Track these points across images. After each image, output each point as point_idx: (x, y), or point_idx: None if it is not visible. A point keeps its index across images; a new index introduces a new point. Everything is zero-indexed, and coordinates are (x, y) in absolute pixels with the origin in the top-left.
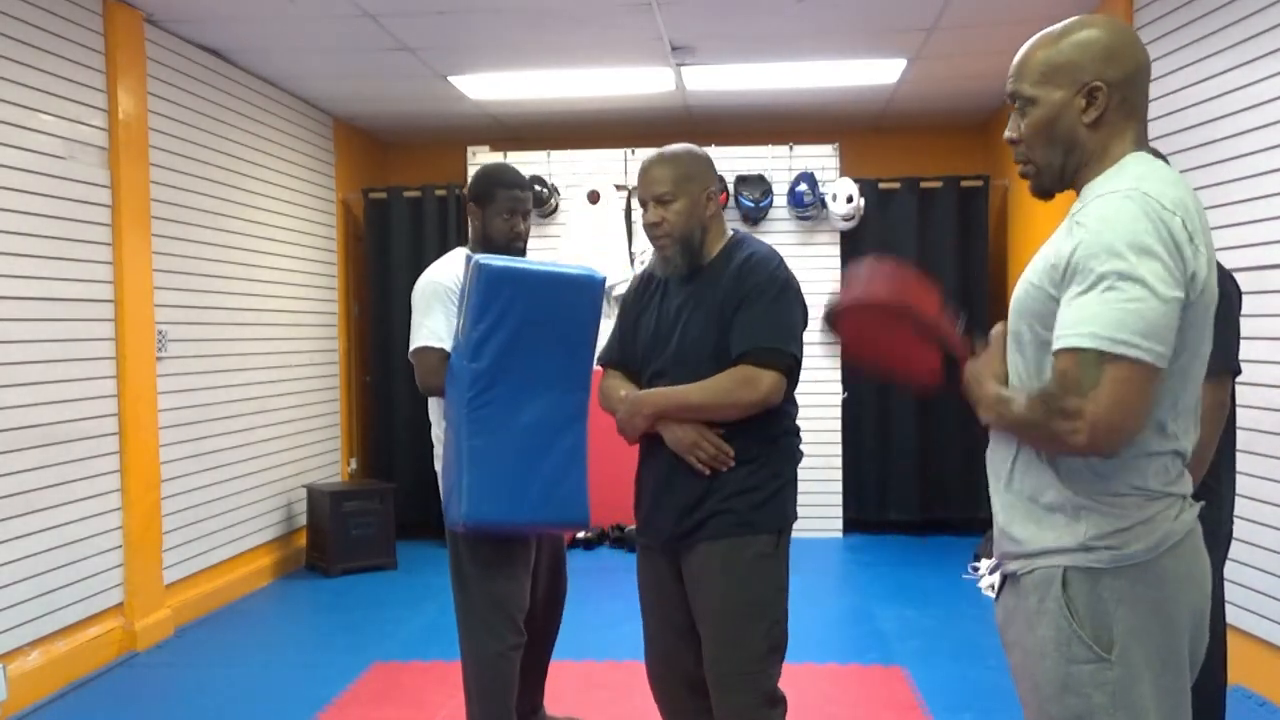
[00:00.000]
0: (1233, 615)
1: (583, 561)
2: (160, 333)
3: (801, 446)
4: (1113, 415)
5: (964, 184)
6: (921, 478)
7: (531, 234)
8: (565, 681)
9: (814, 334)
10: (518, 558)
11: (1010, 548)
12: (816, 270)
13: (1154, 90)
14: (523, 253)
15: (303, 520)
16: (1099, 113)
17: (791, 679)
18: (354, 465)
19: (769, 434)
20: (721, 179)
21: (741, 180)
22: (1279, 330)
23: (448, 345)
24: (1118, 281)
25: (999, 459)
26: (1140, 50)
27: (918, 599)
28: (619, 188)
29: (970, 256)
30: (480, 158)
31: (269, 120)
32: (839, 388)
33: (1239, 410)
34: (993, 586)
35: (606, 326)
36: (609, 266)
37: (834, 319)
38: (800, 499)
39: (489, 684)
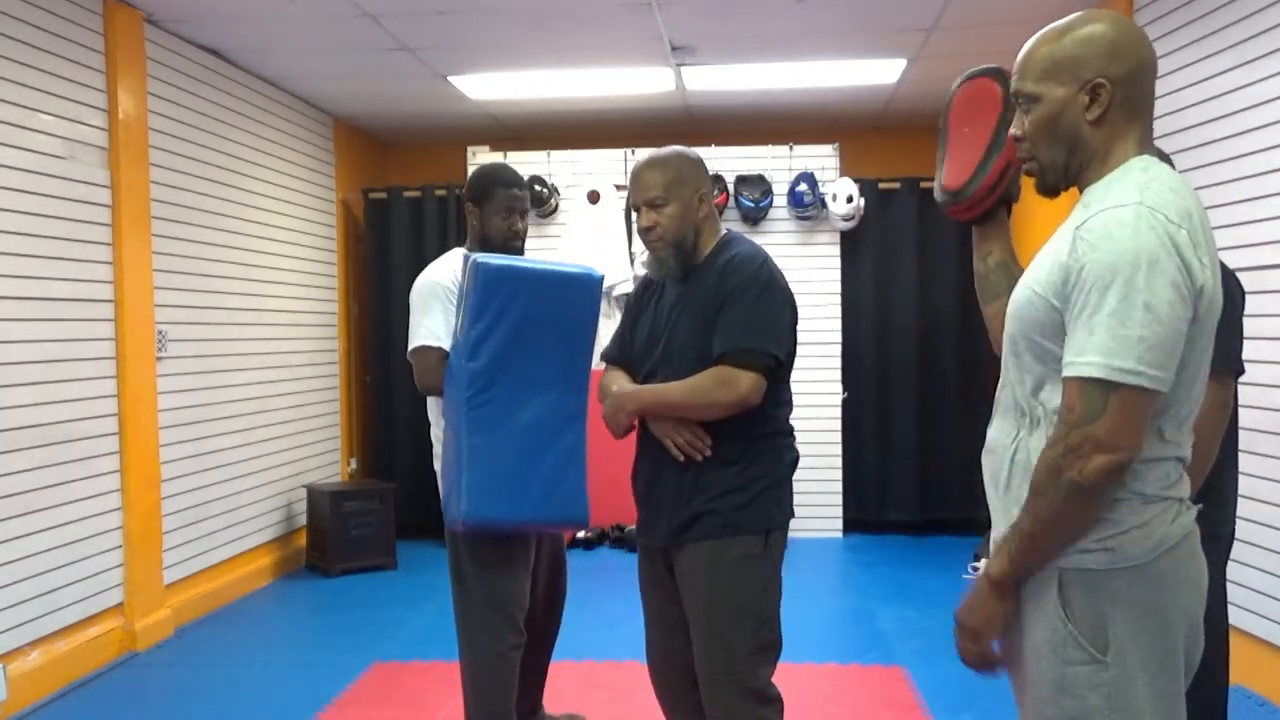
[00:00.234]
0: (1233, 615)
1: (583, 561)
2: (160, 333)
3: (798, 447)
4: (1114, 439)
5: None
6: (921, 478)
7: (531, 234)
8: (565, 681)
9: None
10: (517, 557)
11: None
12: (816, 270)
13: (1155, 89)
14: (521, 252)
15: (303, 520)
16: (1102, 110)
17: (791, 679)
18: (354, 465)
19: (753, 435)
20: (720, 179)
21: (741, 180)
22: (1279, 330)
23: (446, 345)
24: (1122, 305)
25: (996, 463)
26: (1145, 47)
27: (918, 599)
28: (619, 188)
29: (970, 256)
30: (480, 158)
31: (269, 120)
32: (839, 388)
33: (1239, 410)
34: None
35: (606, 326)
36: (609, 266)
37: (981, 74)
38: (800, 499)
39: (488, 684)
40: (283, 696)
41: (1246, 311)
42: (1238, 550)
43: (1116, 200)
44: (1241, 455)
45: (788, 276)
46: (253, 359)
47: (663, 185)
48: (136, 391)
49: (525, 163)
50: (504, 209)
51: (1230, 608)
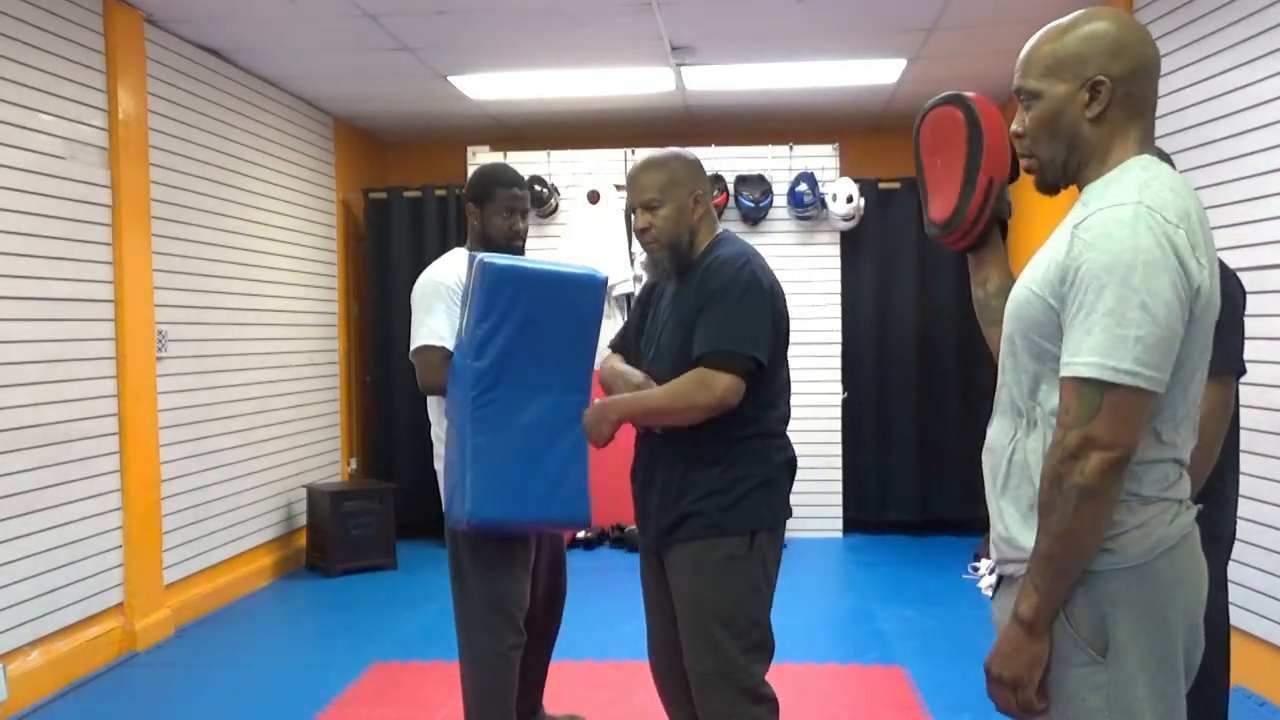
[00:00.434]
0: (1233, 615)
1: (583, 561)
2: (160, 333)
3: (795, 448)
4: (1111, 438)
5: None
6: (921, 478)
7: (531, 234)
8: (565, 681)
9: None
10: (518, 558)
11: (1007, 550)
12: (816, 270)
13: (1158, 89)
14: (522, 251)
15: (303, 520)
16: (1102, 107)
17: (791, 679)
18: (354, 465)
19: (736, 436)
20: (720, 179)
21: (741, 180)
22: (1279, 330)
23: (449, 344)
24: (1119, 305)
25: (994, 462)
26: (1148, 45)
27: (918, 599)
28: (619, 188)
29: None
30: (480, 158)
31: (269, 120)
32: (839, 388)
33: (1240, 410)
34: (991, 586)
35: (606, 327)
36: (609, 266)
37: (943, 103)
38: (800, 499)
39: (488, 684)
40: (283, 696)
41: (1246, 311)
42: (1238, 550)
43: (1115, 199)
44: (1242, 455)
45: (788, 276)
46: (253, 359)
47: (658, 187)
48: (136, 391)
49: (525, 163)
50: (505, 209)
51: (1231, 608)
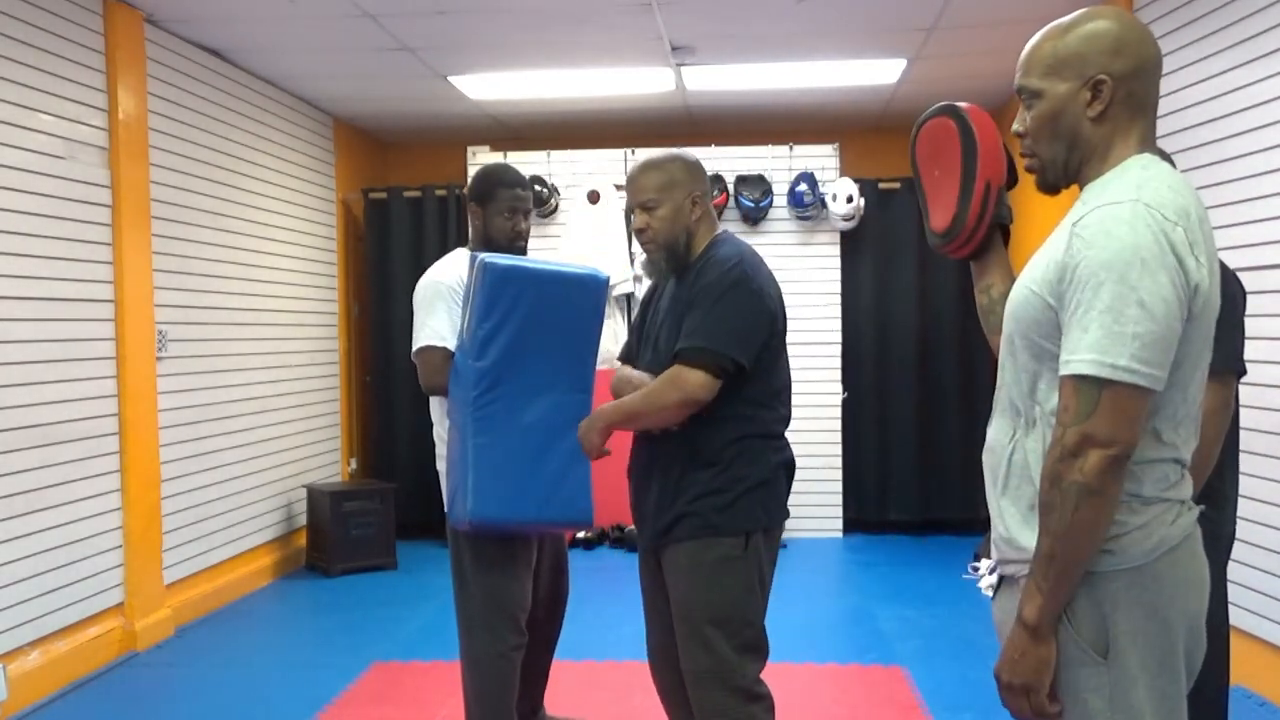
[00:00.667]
0: (1234, 615)
1: (583, 561)
2: (160, 333)
3: (794, 448)
4: (1109, 435)
5: None
6: (921, 478)
7: (532, 234)
8: (565, 681)
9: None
10: (519, 558)
11: (1007, 551)
12: (816, 270)
13: (1159, 88)
14: (524, 252)
15: (303, 520)
16: (1103, 106)
17: (792, 679)
18: (354, 465)
19: (733, 437)
20: (720, 179)
21: (741, 180)
22: (1279, 330)
23: (451, 345)
24: (1116, 302)
25: (995, 462)
26: (1150, 44)
27: (918, 599)
28: (619, 188)
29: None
30: (480, 158)
31: (269, 120)
32: (839, 388)
33: (1240, 410)
34: (992, 587)
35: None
36: (609, 266)
37: (935, 115)
38: (800, 499)
39: (489, 685)
40: (283, 696)
41: (1246, 312)
42: (1238, 550)
43: (1113, 197)
44: (1241, 455)
45: (788, 276)
46: (253, 359)
47: (655, 188)
48: (136, 391)
49: (525, 163)
50: (507, 209)
51: (1231, 608)
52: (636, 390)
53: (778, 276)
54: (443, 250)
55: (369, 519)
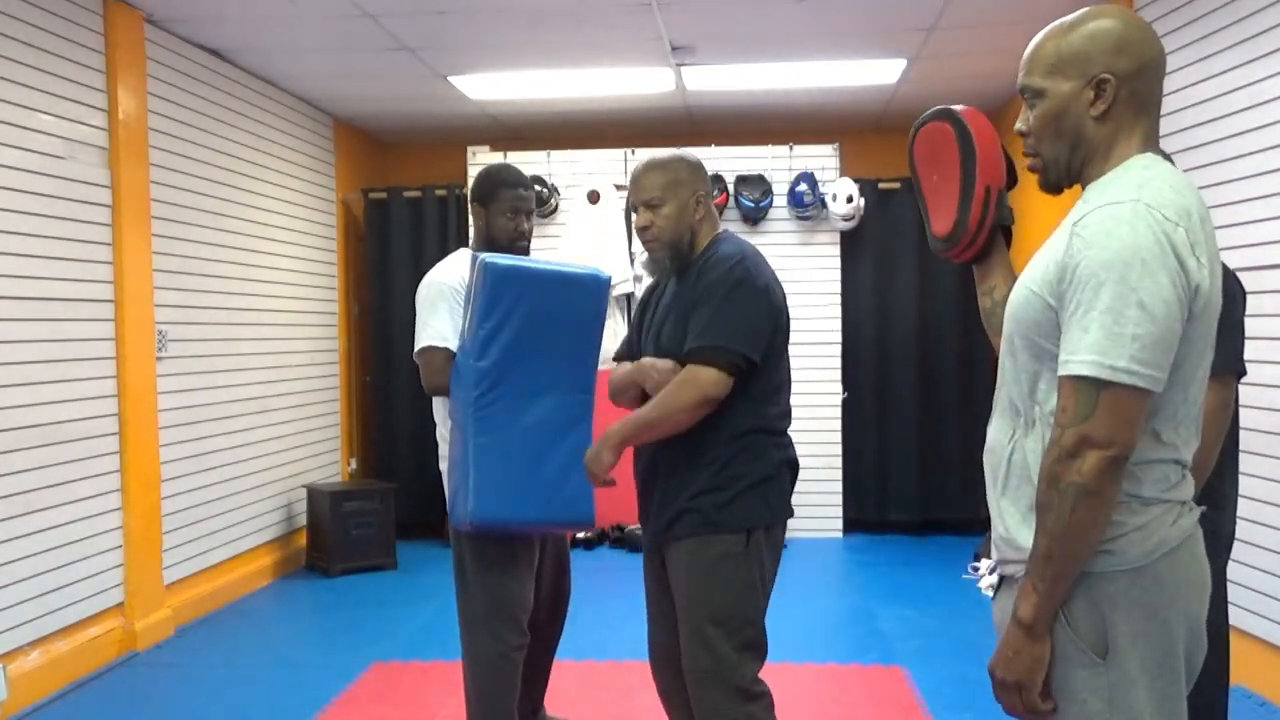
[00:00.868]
0: (1233, 615)
1: (583, 561)
2: (160, 333)
3: (796, 448)
4: (1107, 436)
5: None
6: (921, 478)
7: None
8: (565, 681)
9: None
10: (521, 558)
11: (1007, 550)
12: (816, 270)
13: (1163, 87)
14: (526, 252)
15: (303, 520)
16: (1106, 105)
17: (791, 679)
18: (354, 465)
19: (734, 433)
20: (720, 179)
21: (741, 180)
22: (1279, 330)
23: (453, 345)
24: (1116, 303)
25: (994, 462)
26: (1154, 43)
27: (918, 599)
28: (619, 188)
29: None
30: (480, 158)
31: (269, 120)
32: (839, 388)
33: (1239, 410)
34: (992, 586)
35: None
36: (609, 266)
37: (931, 119)
38: (800, 499)
39: (491, 685)
40: (283, 696)
41: (1246, 312)
42: (1238, 550)
43: (1114, 197)
44: (1242, 455)
45: (788, 276)
46: (253, 359)
47: (660, 186)
48: (136, 391)
49: (525, 163)
50: (509, 209)
51: (1230, 608)
52: (633, 381)
53: (779, 276)
54: (443, 250)
55: (369, 519)
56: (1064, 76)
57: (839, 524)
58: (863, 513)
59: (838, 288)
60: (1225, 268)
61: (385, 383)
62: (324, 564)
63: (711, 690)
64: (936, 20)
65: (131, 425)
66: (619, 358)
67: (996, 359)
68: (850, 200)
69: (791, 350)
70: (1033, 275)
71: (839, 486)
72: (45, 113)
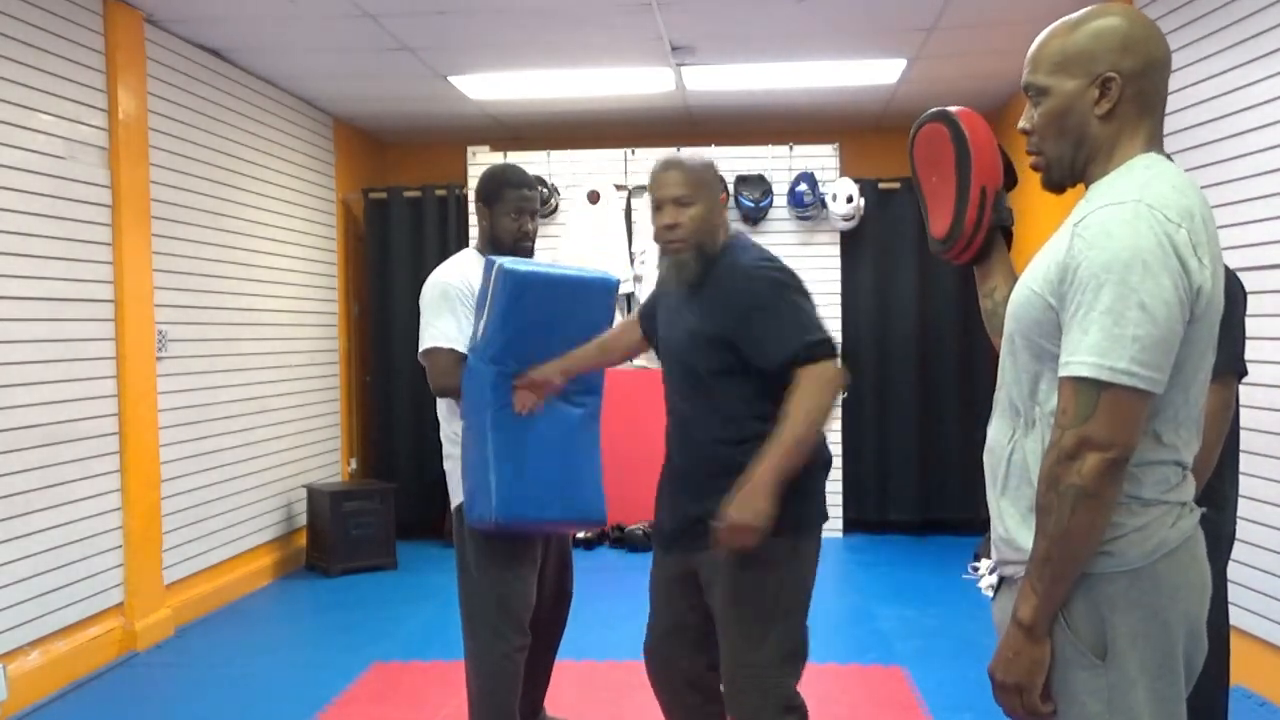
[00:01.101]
0: (1234, 615)
1: (583, 561)
2: (160, 333)
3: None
4: (1107, 438)
5: None
6: (921, 478)
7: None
8: (565, 681)
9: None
10: (525, 558)
11: (1006, 551)
12: (816, 270)
13: (1167, 86)
14: (531, 253)
15: (303, 520)
16: (1112, 104)
17: None
18: (354, 465)
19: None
20: (722, 179)
21: (741, 180)
22: (1279, 330)
23: (459, 346)
24: (1117, 304)
25: (994, 463)
26: (1159, 42)
27: (918, 599)
28: (619, 188)
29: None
30: (480, 158)
31: (269, 120)
32: None
33: (1240, 410)
34: (992, 587)
35: None
36: (609, 266)
37: (928, 121)
38: None
39: (493, 685)
40: (283, 696)
41: (1247, 311)
42: (1238, 550)
43: (1116, 198)
44: (1242, 455)
45: None
46: (253, 359)
47: (689, 184)
48: (136, 391)
49: (525, 163)
50: (514, 210)
51: (1231, 608)
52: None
53: None
54: (443, 250)
55: (369, 519)
56: (1069, 74)
57: (839, 524)
58: (863, 513)
59: (838, 288)
60: (1226, 268)
61: (385, 383)
62: (324, 564)
63: (750, 695)
64: (936, 20)
65: (131, 425)
66: (641, 314)
67: (997, 359)
68: (850, 200)
69: None
70: (1034, 275)
71: (839, 487)
72: (45, 113)
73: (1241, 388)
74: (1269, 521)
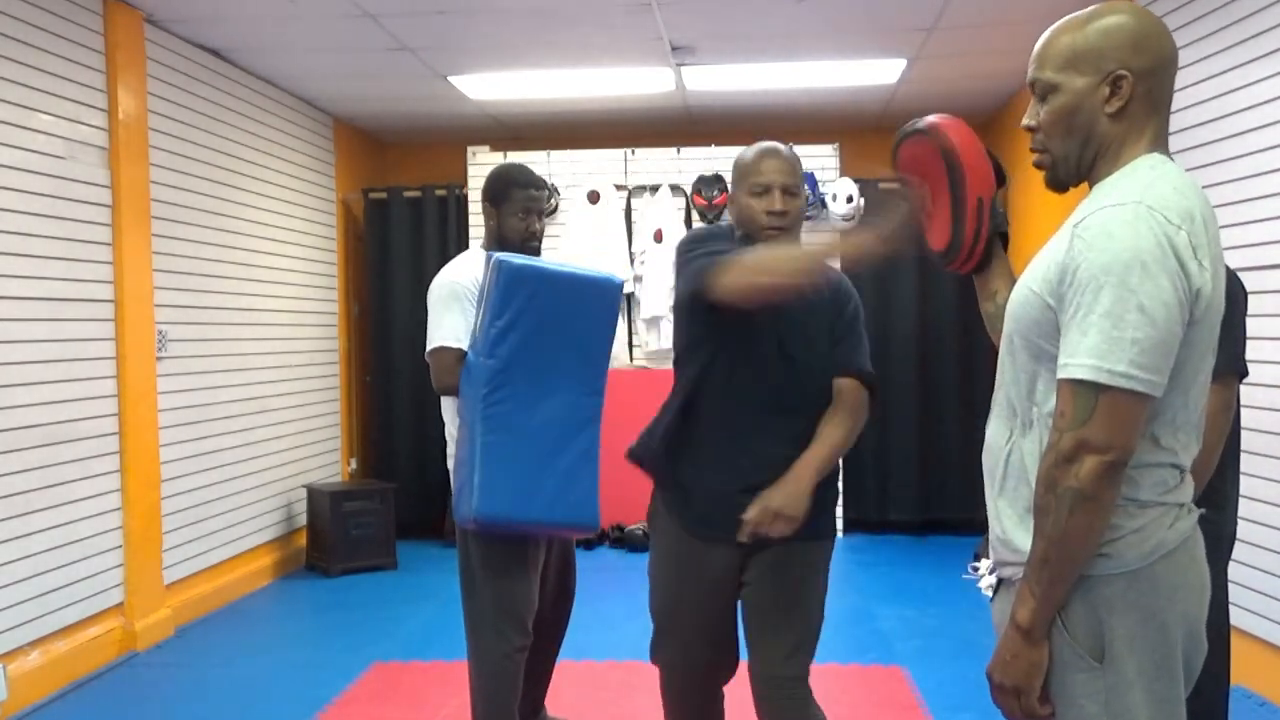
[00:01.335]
0: (1234, 615)
1: (583, 561)
2: (160, 333)
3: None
4: (1105, 440)
5: None
6: (921, 478)
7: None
8: (565, 681)
9: None
10: (527, 559)
11: (1004, 552)
12: None
13: (1174, 85)
14: (537, 252)
15: (303, 520)
16: (1122, 103)
17: None
18: (354, 465)
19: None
20: (720, 179)
21: None
22: (1279, 330)
23: (465, 345)
24: (1116, 306)
25: (992, 463)
26: (1168, 41)
27: (918, 599)
28: (619, 188)
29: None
30: (480, 158)
31: (269, 120)
32: None
33: (1240, 410)
34: (991, 587)
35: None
36: (609, 266)
37: (910, 136)
38: None
39: (494, 685)
40: (283, 696)
41: (1247, 312)
42: (1238, 550)
43: (1117, 199)
44: (1242, 455)
45: None
46: (253, 359)
47: (796, 175)
48: (136, 391)
49: (525, 163)
50: (521, 209)
51: (1231, 608)
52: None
53: None
54: (443, 250)
55: (369, 519)
56: (1078, 71)
57: (839, 524)
58: (863, 513)
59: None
60: (1226, 268)
61: (385, 383)
62: (324, 564)
63: (800, 699)
64: (936, 20)
65: (131, 425)
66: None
67: (996, 359)
68: (850, 200)
69: None
70: (1033, 275)
71: (839, 486)
72: (45, 113)
73: (1242, 388)
74: (1269, 521)
